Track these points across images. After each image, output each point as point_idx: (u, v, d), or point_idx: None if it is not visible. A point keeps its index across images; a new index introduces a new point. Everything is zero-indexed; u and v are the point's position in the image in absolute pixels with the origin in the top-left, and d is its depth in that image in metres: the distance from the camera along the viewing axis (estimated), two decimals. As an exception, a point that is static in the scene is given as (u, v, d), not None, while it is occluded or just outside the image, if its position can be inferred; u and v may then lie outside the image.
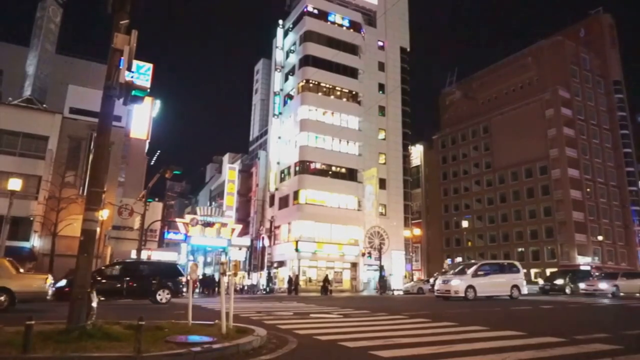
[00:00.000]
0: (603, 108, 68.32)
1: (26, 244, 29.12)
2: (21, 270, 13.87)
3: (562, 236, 59.01)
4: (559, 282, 28.30)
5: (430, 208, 77.33)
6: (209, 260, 59.27)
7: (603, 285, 24.03)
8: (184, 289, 18.04)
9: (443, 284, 19.83)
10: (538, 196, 62.32)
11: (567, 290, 26.77)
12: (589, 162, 63.36)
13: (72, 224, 25.72)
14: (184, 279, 18.14)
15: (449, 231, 74.37)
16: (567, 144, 61.33)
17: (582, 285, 25.81)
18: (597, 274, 29.87)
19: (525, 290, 21.20)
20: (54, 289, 13.93)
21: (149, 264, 20.81)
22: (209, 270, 52.74)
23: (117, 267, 18.80)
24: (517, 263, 22.72)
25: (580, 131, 63.55)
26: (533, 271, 57.95)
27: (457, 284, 19.08)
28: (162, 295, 17.33)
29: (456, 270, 22.17)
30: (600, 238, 58.32)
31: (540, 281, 38.38)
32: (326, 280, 34.19)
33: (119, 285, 17.10)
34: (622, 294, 22.97)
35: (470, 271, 19.88)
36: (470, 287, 18.94)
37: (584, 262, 56.43)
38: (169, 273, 18.67)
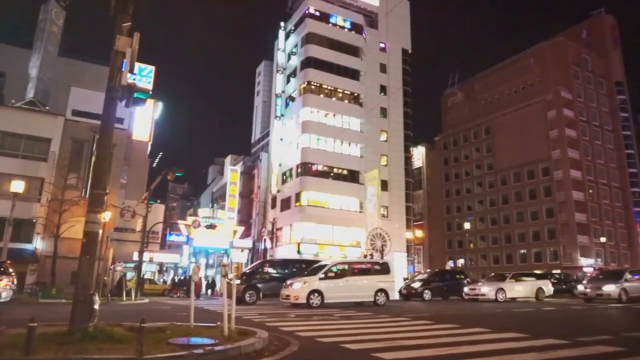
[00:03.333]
0: (605, 109, 68.17)
1: (29, 246, 29.18)
2: None
3: (564, 238, 58.82)
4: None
5: (432, 210, 77.21)
6: (210, 262, 59.28)
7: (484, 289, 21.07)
8: None
9: (285, 288, 16.59)
10: (540, 197, 62.17)
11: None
12: (591, 164, 63.19)
13: (74, 226, 25.75)
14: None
15: (451, 233, 74.23)
16: (569, 145, 61.19)
17: (466, 290, 22.52)
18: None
19: (395, 295, 18.26)
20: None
21: None
22: (210, 273, 52.78)
23: None
24: (387, 262, 19.85)
25: (582, 132, 63.41)
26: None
27: (299, 288, 15.98)
28: None
29: (309, 270, 18.71)
30: (603, 239, 58.12)
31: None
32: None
33: None
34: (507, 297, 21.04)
35: (320, 272, 16.84)
36: (315, 291, 15.88)
37: (586, 263, 56.26)
38: None
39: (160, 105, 48.01)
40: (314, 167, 43.87)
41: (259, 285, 19.44)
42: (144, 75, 35.62)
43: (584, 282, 23.11)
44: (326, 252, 41.43)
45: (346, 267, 17.84)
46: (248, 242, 48.37)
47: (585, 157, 62.62)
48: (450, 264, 55.98)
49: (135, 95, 7.17)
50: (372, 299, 17.01)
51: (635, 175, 66.62)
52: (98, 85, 27.62)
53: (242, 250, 45.94)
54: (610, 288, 18.48)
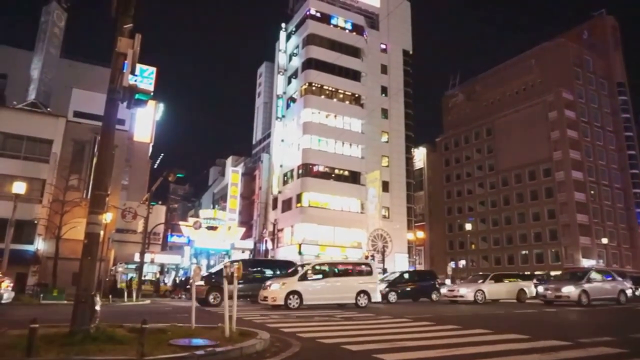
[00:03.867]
0: (607, 110, 68.07)
1: (30, 247, 29.20)
2: None
3: (566, 239, 58.70)
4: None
5: (433, 210, 77.13)
6: (212, 264, 59.27)
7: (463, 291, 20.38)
8: None
9: (264, 290, 16.11)
10: (542, 198, 62.06)
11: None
12: (593, 165, 63.08)
13: (76, 227, 25.76)
14: None
15: (452, 234, 74.16)
16: (570, 146, 61.08)
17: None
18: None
19: (378, 297, 17.49)
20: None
21: None
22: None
23: None
24: (371, 263, 19.06)
25: (583, 133, 63.30)
26: (537, 273, 57.59)
27: (277, 289, 15.51)
28: None
29: (291, 270, 18.12)
30: (604, 241, 57.98)
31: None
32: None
33: None
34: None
35: (299, 273, 16.27)
36: (293, 293, 15.38)
37: (588, 264, 56.11)
38: None
39: (161, 106, 48.07)
40: (315, 168, 43.88)
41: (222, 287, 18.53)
42: (145, 77, 35.85)
43: (544, 283, 21.56)
44: (327, 253, 41.45)
45: (327, 267, 17.27)
46: (249, 243, 48.38)
47: (587, 158, 62.51)
48: (451, 265, 55.75)
49: (137, 96, 7.18)
50: (354, 301, 16.42)
51: (637, 176, 66.46)
52: (99, 86, 27.65)
53: (243, 252, 45.93)
54: (569, 290, 16.98)
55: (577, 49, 66.90)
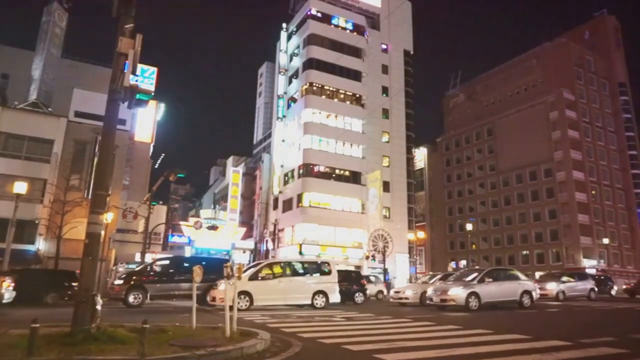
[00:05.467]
0: (608, 110, 68.00)
1: (31, 247, 29.21)
2: None
3: (567, 239, 58.65)
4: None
5: (434, 211, 77.12)
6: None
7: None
8: None
9: (212, 290, 15.48)
10: (543, 199, 62.02)
11: None
12: (594, 165, 63.02)
13: (77, 227, 25.77)
14: None
15: (453, 234, 74.14)
16: (571, 146, 61.03)
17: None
18: None
19: (337, 298, 16.29)
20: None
21: None
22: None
23: None
24: (329, 262, 17.85)
25: (585, 133, 63.24)
26: (538, 274, 57.57)
27: (224, 289, 14.77)
28: None
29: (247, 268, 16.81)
30: (605, 241, 57.92)
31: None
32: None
33: None
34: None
35: (250, 272, 15.28)
36: (243, 293, 14.50)
37: (589, 265, 56.06)
38: None
39: (162, 106, 48.00)
40: (316, 168, 43.89)
41: (147, 286, 16.75)
42: (146, 77, 35.93)
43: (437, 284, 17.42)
44: (328, 253, 41.45)
45: (281, 266, 16.31)
46: (250, 244, 48.41)
47: (588, 158, 62.45)
48: (452, 265, 55.79)
49: (138, 96, 7.19)
50: (310, 302, 15.60)
51: (638, 176, 66.39)
52: (100, 86, 27.70)
53: (244, 252, 45.99)
54: (456, 292, 14.46)
55: (578, 49, 66.85)
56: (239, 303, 14.00)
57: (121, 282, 17.02)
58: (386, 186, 48.04)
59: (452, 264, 60.59)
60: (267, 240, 46.57)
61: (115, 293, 16.92)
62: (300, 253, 39.82)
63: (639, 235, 63.94)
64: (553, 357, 5.82)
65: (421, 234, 61.73)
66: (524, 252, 63.19)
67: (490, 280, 15.14)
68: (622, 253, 62.18)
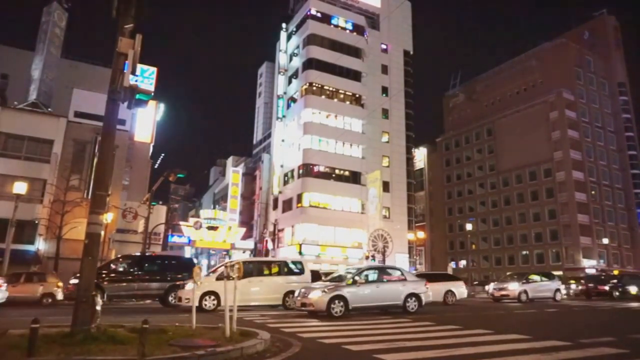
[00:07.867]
0: (607, 110, 68.01)
1: (31, 247, 29.22)
2: None
3: (567, 239, 58.65)
4: None
5: (434, 211, 77.14)
6: (212, 264, 59.36)
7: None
8: None
9: (179, 290, 15.07)
10: (542, 199, 62.02)
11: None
12: (594, 165, 63.03)
13: (76, 227, 25.80)
14: None
15: (453, 234, 74.14)
16: (571, 146, 61.03)
17: None
18: None
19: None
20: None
21: None
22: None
23: None
24: (302, 261, 17.16)
25: (584, 133, 63.24)
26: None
27: (191, 290, 13.03)
28: None
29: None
30: (605, 241, 57.92)
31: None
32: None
33: None
34: None
35: (218, 272, 14.65)
36: (209, 293, 14.06)
37: (589, 265, 56.09)
38: None
39: (162, 106, 47.95)
40: (316, 169, 43.89)
41: (104, 285, 15.95)
42: (146, 77, 35.83)
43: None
44: (328, 253, 41.48)
45: (251, 266, 15.72)
46: (250, 244, 48.38)
47: (588, 158, 62.46)
48: (452, 265, 55.83)
49: (138, 96, 7.19)
50: (281, 303, 15.18)
51: (637, 176, 66.38)
52: (100, 87, 27.71)
53: (243, 252, 45.96)
54: (316, 295, 12.28)
55: (578, 49, 66.85)
56: (205, 303, 13.87)
57: (77, 280, 16.80)
58: (386, 186, 48.03)
59: (452, 264, 60.64)
60: (267, 241, 46.57)
61: (70, 292, 16.44)
62: (300, 253, 39.81)
63: (638, 235, 63.94)
64: (553, 357, 5.83)
65: (421, 234, 61.74)
66: (524, 252, 63.20)
67: (363, 281, 13.10)
68: (622, 253, 62.18)
